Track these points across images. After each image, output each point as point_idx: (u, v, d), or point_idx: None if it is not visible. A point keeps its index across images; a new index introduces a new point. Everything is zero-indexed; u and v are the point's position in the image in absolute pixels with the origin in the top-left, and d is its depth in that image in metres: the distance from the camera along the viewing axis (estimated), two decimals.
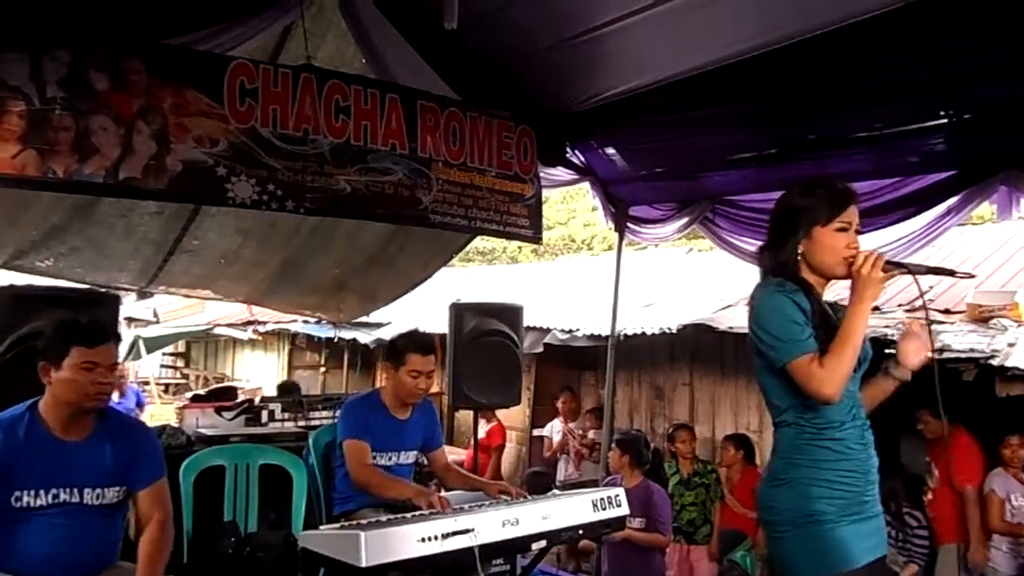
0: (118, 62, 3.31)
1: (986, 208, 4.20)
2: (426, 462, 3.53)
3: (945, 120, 3.52)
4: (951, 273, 2.10)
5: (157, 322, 12.36)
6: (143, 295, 9.33)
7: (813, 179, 2.15)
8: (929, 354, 2.13)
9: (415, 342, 3.25)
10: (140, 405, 7.60)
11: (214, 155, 3.51)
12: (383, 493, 3.06)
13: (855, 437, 2.02)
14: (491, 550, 2.23)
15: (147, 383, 11.88)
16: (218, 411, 4.68)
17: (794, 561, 2.02)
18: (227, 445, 3.82)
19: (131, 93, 3.34)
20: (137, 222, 5.18)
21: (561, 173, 4.84)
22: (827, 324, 2.01)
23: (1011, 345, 4.25)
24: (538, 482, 5.83)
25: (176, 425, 4.64)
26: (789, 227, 2.07)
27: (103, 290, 5.20)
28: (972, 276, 2.14)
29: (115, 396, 6.30)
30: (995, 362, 4.11)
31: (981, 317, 4.81)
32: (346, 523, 2.58)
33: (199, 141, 3.48)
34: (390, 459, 3.25)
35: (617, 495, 2.64)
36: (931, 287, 5.90)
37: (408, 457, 3.33)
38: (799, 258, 2.06)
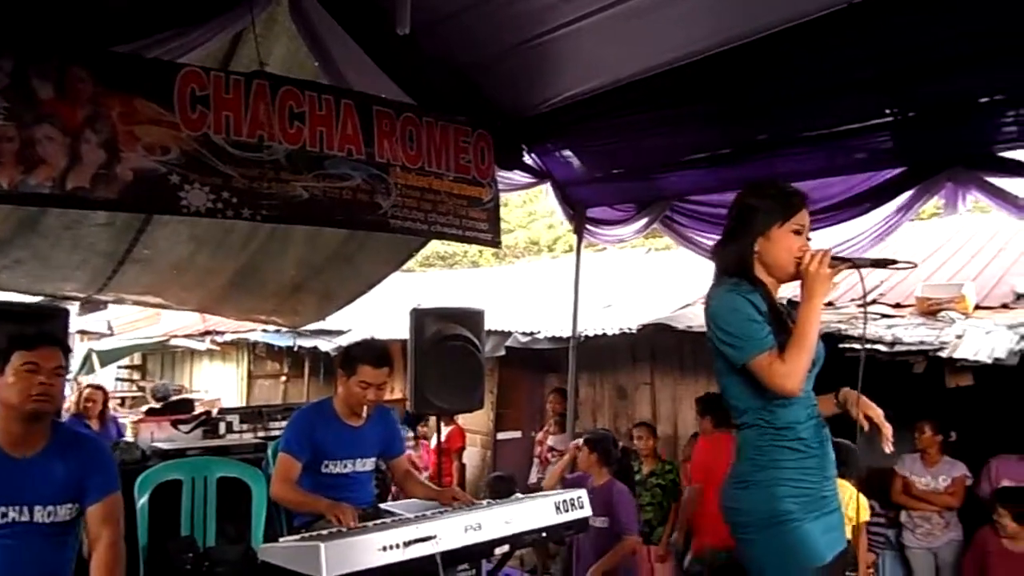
0: (63, 70, 3.23)
1: (932, 203, 4.32)
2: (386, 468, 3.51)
3: (891, 118, 3.62)
4: (893, 263, 2.16)
5: (111, 334, 12.08)
6: (91, 304, 9.08)
7: (766, 181, 2.23)
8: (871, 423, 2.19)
9: (368, 353, 3.22)
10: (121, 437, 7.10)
11: (166, 163, 3.44)
12: (298, 509, 3.09)
13: (813, 435, 2.08)
14: (454, 556, 2.22)
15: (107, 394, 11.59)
16: (174, 424, 4.59)
17: (764, 561, 2.06)
18: (184, 459, 3.74)
19: (77, 102, 3.26)
20: (85, 234, 5.05)
21: (518, 176, 4.85)
22: (781, 322, 2.06)
23: (959, 337, 4.37)
24: (501, 486, 5.83)
25: (131, 439, 4.54)
26: (747, 225, 2.13)
27: (51, 303, 5.07)
28: (913, 265, 2.22)
29: (94, 426, 6.03)
30: (944, 354, 4.23)
31: (930, 310, 4.95)
32: (306, 534, 2.55)
33: (150, 149, 3.41)
34: (345, 467, 3.22)
35: (579, 496, 2.65)
36: (881, 282, 6.06)
37: (365, 464, 3.30)
38: (754, 257, 2.11)
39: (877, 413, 2.16)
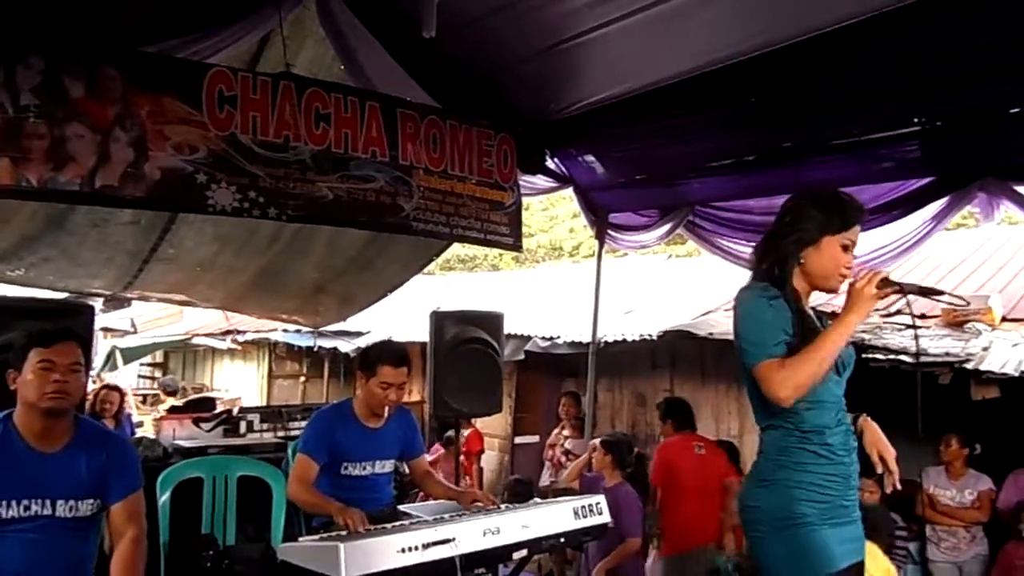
0: (94, 69, 3.28)
1: (961, 212, 4.27)
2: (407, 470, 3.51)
3: (918, 127, 3.58)
4: (940, 293, 2.13)
5: (134, 332, 12.21)
6: (115, 301, 9.19)
7: (827, 190, 2.19)
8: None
9: (388, 353, 3.22)
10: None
11: (194, 162, 3.48)
12: (311, 510, 3.11)
13: (840, 442, 2.05)
14: (472, 560, 2.22)
15: (125, 393, 11.72)
16: (196, 422, 4.63)
17: (775, 561, 2.04)
18: (205, 457, 3.77)
19: (107, 100, 3.30)
20: (111, 232, 5.11)
21: (541, 181, 4.85)
22: (807, 329, 2.03)
23: (985, 349, 4.31)
24: (520, 490, 5.82)
25: (153, 437, 4.58)
26: (797, 230, 2.09)
27: (76, 300, 5.13)
28: (965, 302, 2.18)
29: (109, 426, 6.10)
30: (970, 366, 4.17)
31: (956, 321, 4.88)
32: (325, 534, 2.56)
33: (178, 148, 3.45)
34: (364, 469, 3.22)
35: (598, 503, 2.64)
36: None
37: (384, 466, 3.30)
38: (797, 262, 2.09)
39: (890, 454, 2.13)
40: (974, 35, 3.04)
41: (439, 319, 4.42)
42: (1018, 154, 3.51)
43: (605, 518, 2.67)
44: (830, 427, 2.04)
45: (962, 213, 4.60)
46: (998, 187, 3.57)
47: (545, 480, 6.64)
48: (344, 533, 2.42)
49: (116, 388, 6.76)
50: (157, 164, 3.39)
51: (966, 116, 3.47)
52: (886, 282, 1.99)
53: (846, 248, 2.07)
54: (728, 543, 4.54)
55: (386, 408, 3.23)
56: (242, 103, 3.60)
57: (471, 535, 2.22)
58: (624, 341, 6.22)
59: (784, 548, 2.00)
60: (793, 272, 2.09)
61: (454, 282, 12.96)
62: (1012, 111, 3.37)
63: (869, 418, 2.18)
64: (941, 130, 3.57)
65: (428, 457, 4.72)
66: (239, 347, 11.71)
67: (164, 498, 3.25)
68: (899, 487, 2.11)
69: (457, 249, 16.25)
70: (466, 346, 4.38)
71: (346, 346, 9.11)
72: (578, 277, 8.82)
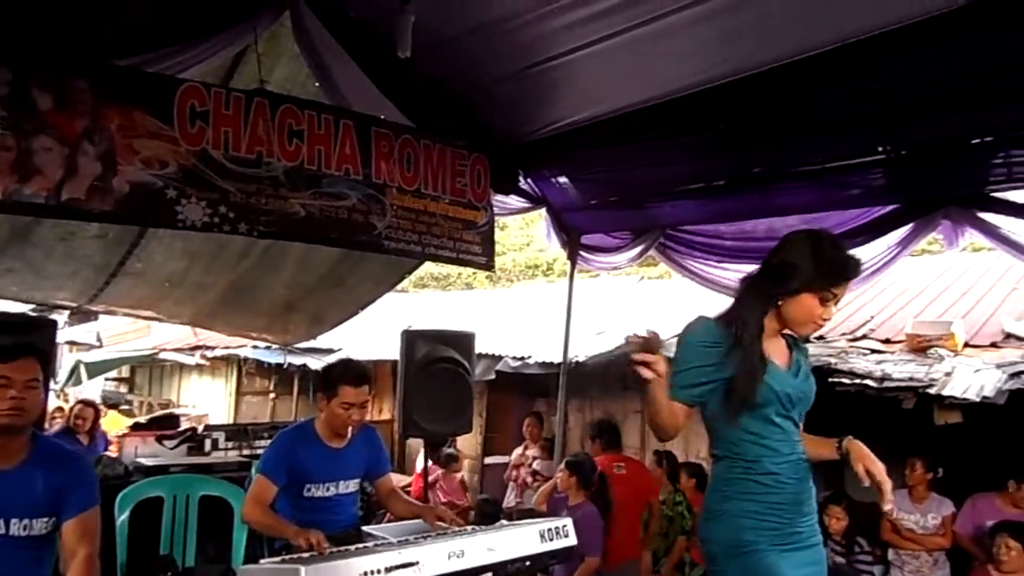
0: (63, 82, 3.24)
1: (926, 239, 4.35)
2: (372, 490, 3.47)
3: (884, 155, 3.66)
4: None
5: (100, 346, 11.99)
6: (81, 314, 9.05)
7: (829, 240, 2.13)
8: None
9: (348, 373, 3.15)
10: None
11: (163, 177, 3.45)
12: (268, 533, 3.05)
13: (789, 471, 2.06)
14: None
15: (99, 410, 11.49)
16: (159, 440, 4.55)
17: None
18: (166, 476, 3.70)
19: (76, 113, 3.27)
20: (78, 245, 5.04)
21: (514, 201, 4.87)
22: (748, 372, 2.02)
23: (948, 374, 4.38)
24: (488, 510, 5.81)
25: (114, 454, 4.49)
26: (782, 278, 2.07)
27: (39, 314, 5.04)
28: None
29: (84, 441, 6.00)
30: (933, 391, 4.23)
31: (919, 347, 4.96)
32: (287, 556, 2.52)
33: (147, 163, 3.42)
34: (328, 490, 3.16)
35: (565, 525, 2.62)
36: (872, 317, 6.09)
37: (348, 487, 3.25)
38: (775, 307, 2.09)
39: (879, 469, 2.07)
40: (939, 66, 3.12)
41: (410, 338, 4.40)
42: (981, 183, 3.59)
43: (571, 541, 2.65)
44: (775, 458, 2.05)
45: (927, 240, 4.70)
46: (962, 215, 3.65)
47: (509, 501, 6.63)
48: (306, 555, 2.38)
49: (91, 404, 6.68)
50: (126, 178, 3.36)
51: (930, 145, 3.55)
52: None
53: (826, 300, 2.06)
54: (646, 559, 4.71)
55: (349, 428, 3.19)
56: (214, 118, 3.58)
57: (435, 558, 2.20)
58: (595, 361, 6.22)
59: (739, 575, 2.02)
60: (766, 314, 2.09)
61: (427, 300, 12.92)
62: (974, 141, 3.46)
63: (854, 439, 2.18)
64: (906, 158, 3.65)
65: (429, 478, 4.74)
66: (207, 363, 11.55)
67: (123, 518, 3.19)
68: (891, 499, 2.10)
69: (431, 267, 16.24)
70: (437, 365, 4.35)
71: (316, 363, 9.01)
72: (551, 297, 8.84)
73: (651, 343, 1.94)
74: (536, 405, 7.82)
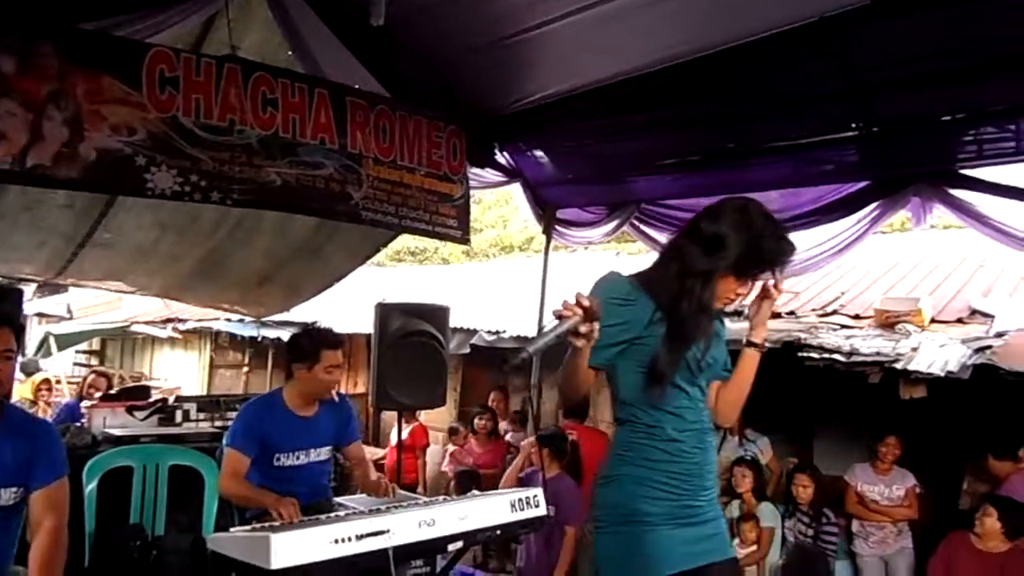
0: (28, 45, 3.17)
1: (895, 217, 4.41)
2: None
3: (856, 132, 3.69)
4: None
5: (70, 318, 11.81)
6: (49, 287, 8.91)
7: (767, 223, 1.96)
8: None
9: (326, 337, 3.22)
10: None
11: (132, 144, 3.39)
12: (245, 504, 3.07)
13: (693, 440, 1.98)
14: (406, 551, 2.20)
15: (58, 381, 11.35)
16: (129, 410, 4.50)
17: (608, 557, 1.99)
18: (135, 445, 3.67)
19: (41, 77, 3.20)
20: (44, 215, 4.93)
21: (490, 174, 4.86)
22: (683, 330, 1.93)
23: (914, 349, 4.46)
24: (467, 482, 5.86)
25: (82, 424, 4.44)
26: (712, 254, 1.93)
27: (5, 283, 4.95)
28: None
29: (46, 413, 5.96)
30: (899, 366, 4.30)
31: (887, 322, 5.04)
32: (257, 525, 2.52)
33: (116, 129, 3.36)
34: (298, 458, 3.18)
35: (535, 495, 2.64)
36: (842, 293, 6.17)
37: (320, 454, 3.26)
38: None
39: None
40: (910, 44, 3.14)
41: (384, 311, 4.38)
42: (950, 159, 3.63)
43: (542, 511, 2.67)
44: (679, 426, 1.96)
45: (900, 218, 4.76)
46: (932, 191, 3.69)
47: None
48: (277, 524, 2.39)
49: (104, 374, 6.79)
50: (93, 145, 3.29)
51: (902, 122, 3.58)
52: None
53: (747, 282, 1.99)
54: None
55: (330, 392, 3.22)
56: (185, 85, 3.52)
57: (406, 526, 2.21)
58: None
59: (621, 546, 1.95)
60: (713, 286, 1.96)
61: (403, 274, 12.88)
62: (944, 118, 3.50)
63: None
64: (878, 135, 3.67)
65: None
66: (180, 335, 11.42)
67: (91, 487, 3.16)
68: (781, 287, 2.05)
69: (407, 241, 16.17)
70: (411, 338, 4.34)
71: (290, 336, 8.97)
72: (528, 272, 8.83)
73: (594, 311, 1.69)
74: (511, 380, 7.86)
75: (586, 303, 1.67)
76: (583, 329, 1.68)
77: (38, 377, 7.81)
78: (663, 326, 1.94)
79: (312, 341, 3.19)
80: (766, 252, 1.94)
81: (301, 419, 3.20)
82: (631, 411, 2.00)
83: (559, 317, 1.68)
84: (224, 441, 3.23)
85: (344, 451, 3.42)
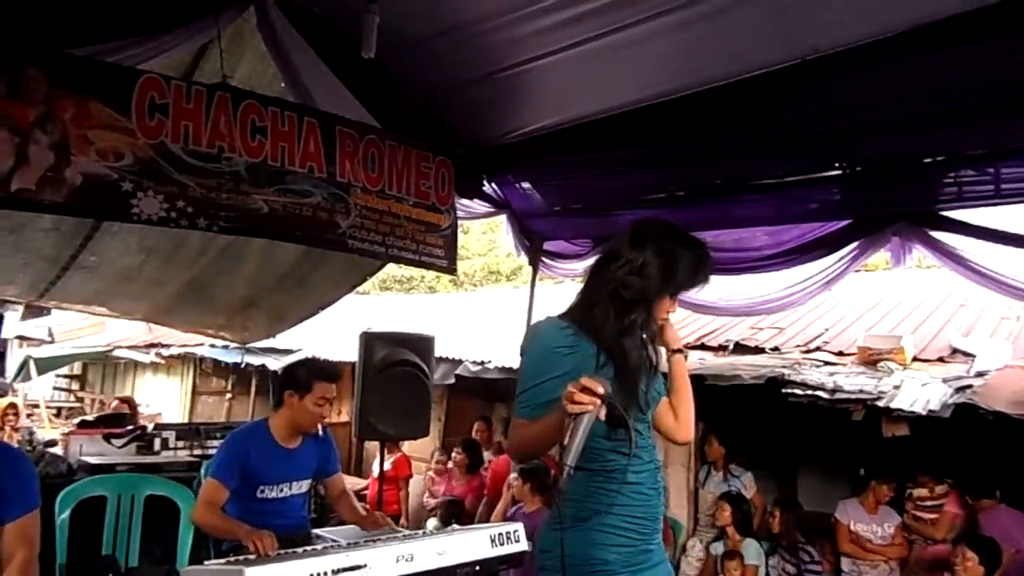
0: (17, 69, 3.16)
1: (879, 256, 4.45)
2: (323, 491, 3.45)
3: (839, 172, 3.73)
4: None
5: (52, 342, 11.70)
6: (33, 309, 8.83)
7: (692, 239, 1.96)
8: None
9: (322, 369, 3.21)
10: None
11: (119, 169, 3.38)
12: (219, 535, 3.02)
13: (650, 481, 1.95)
14: None
15: (36, 406, 11.20)
16: (107, 438, 4.43)
17: None
18: (110, 475, 3.61)
19: (29, 102, 3.19)
20: (29, 238, 4.90)
21: (477, 205, 4.88)
22: (633, 370, 1.89)
23: (896, 387, 4.48)
24: (453, 511, 5.81)
25: (58, 452, 4.36)
26: (642, 282, 1.89)
27: None
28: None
29: (12, 438, 5.86)
30: (882, 403, 4.32)
31: (870, 360, 5.07)
32: (232, 558, 2.47)
33: (103, 154, 3.35)
34: (281, 491, 3.15)
35: (516, 530, 2.61)
36: (826, 329, 6.20)
37: (301, 487, 3.24)
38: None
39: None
40: (891, 88, 3.20)
41: (368, 340, 4.37)
42: (931, 201, 3.68)
43: (523, 546, 2.64)
44: (637, 467, 1.91)
45: (885, 257, 4.80)
46: (911, 232, 3.73)
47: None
48: (252, 557, 2.35)
49: (127, 400, 7.02)
50: (79, 169, 3.28)
51: (885, 163, 3.63)
52: (587, 391, 1.62)
53: (674, 298, 1.98)
54: None
55: (319, 425, 3.19)
56: (174, 111, 3.52)
57: (383, 561, 2.16)
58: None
59: None
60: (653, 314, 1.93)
61: (389, 303, 12.85)
62: (926, 160, 3.55)
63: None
64: (861, 175, 3.72)
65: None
66: (163, 361, 11.32)
67: (63, 517, 3.10)
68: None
69: (394, 269, 16.16)
70: (395, 368, 4.33)
71: (275, 364, 8.89)
72: (514, 302, 8.85)
73: (607, 392, 1.62)
74: (496, 410, 7.81)
75: (600, 389, 1.60)
76: (602, 416, 1.65)
77: (4, 401, 7.71)
78: (611, 367, 1.86)
79: (308, 371, 3.19)
80: (695, 266, 1.93)
81: (286, 451, 3.17)
82: (590, 459, 1.87)
83: (570, 402, 1.60)
84: (204, 469, 3.17)
85: (325, 483, 3.38)
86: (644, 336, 1.92)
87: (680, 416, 2.15)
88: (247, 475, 3.05)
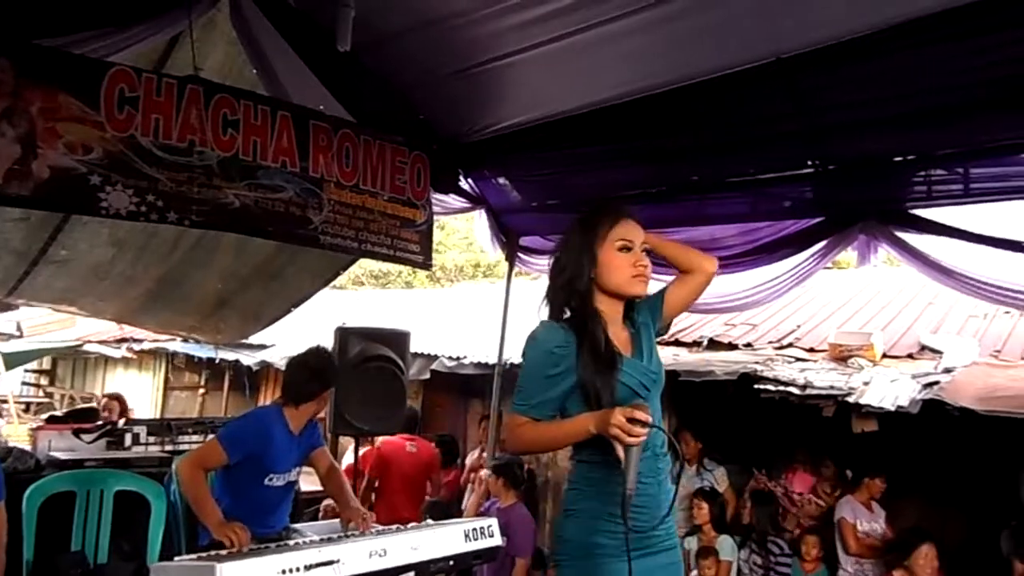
0: None
1: (850, 254, 4.50)
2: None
3: (812, 170, 3.78)
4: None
5: (20, 336, 11.49)
6: (1, 306, 8.69)
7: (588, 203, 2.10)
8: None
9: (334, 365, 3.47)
10: None
11: (87, 163, 3.33)
12: (192, 503, 2.99)
13: (648, 470, 1.96)
14: None
15: (4, 401, 11.00)
16: (76, 433, 4.36)
17: None
18: (79, 470, 3.56)
19: None
20: None
21: (453, 200, 4.86)
22: (595, 356, 1.94)
23: (866, 384, 4.55)
24: (437, 514, 5.79)
25: (26, 447, 4.29)
26: (578, 253, 2.03)
27: None
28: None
29: None
30: (852, 399, 4.38)
31: (841, 356, 5.14)
32: (203, 554, 2.46)
33: (71, 147, 3.29)
34: (284, 479, 3.18)
35: (490, 525, 2.63)
36: (798, 326, 6.28)
37: (296, 474, 3.30)
38: (593, 285, 2.03)
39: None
40: (868, 86, 3.24)
41: (343, 335, 4.35)
42: (901, 200, 3.73)
43: (496, 541, 2.66)
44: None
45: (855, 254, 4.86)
46: (878, 230, 3.78)
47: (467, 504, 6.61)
48: (224, 552, 2.33)
49: (117, 397, 6.78)
50: (47, 162, 3.23)
51: (852, 161, 3.69)
52: (634, 421, 1.76)
53: (624, 249, 2.02)
54: None
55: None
56: (144, 104, 3.48)
57: (356, 557, 2.18)
58: None
59: None
60: (594, 296, 2.03)
61: (364, 298, 12.79)
62: (897, 159, 3.61)
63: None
64: (832, 173, 3.77)
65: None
66: (134, 356, 11.19)
67: (30, 512, 3.06)
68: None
69: (369, 265, 16.08)
70: (370, 363, 4.31)
71: (248, 359, 8.83)
72: (491, 298, 8.84)
73: (651, 419, 1.77)
74: (472, 406, 7.81)
75: (647, 418, 1.76)
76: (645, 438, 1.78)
77: None
78: (591, 360, 1.95)
79: (331, 370, 3.37)
80: (594, 210, 2.09)
81: (293, 438, 3.21)
82: (592, 451, 1.95)
83: (621, 433, 1.75)
84: (221, 434, 3.13)
85: (313, 457, 3.37)
86: (601, 322, 1.99)
87: (687, 263, 2.21)
88: (259, 460, 3.05)
